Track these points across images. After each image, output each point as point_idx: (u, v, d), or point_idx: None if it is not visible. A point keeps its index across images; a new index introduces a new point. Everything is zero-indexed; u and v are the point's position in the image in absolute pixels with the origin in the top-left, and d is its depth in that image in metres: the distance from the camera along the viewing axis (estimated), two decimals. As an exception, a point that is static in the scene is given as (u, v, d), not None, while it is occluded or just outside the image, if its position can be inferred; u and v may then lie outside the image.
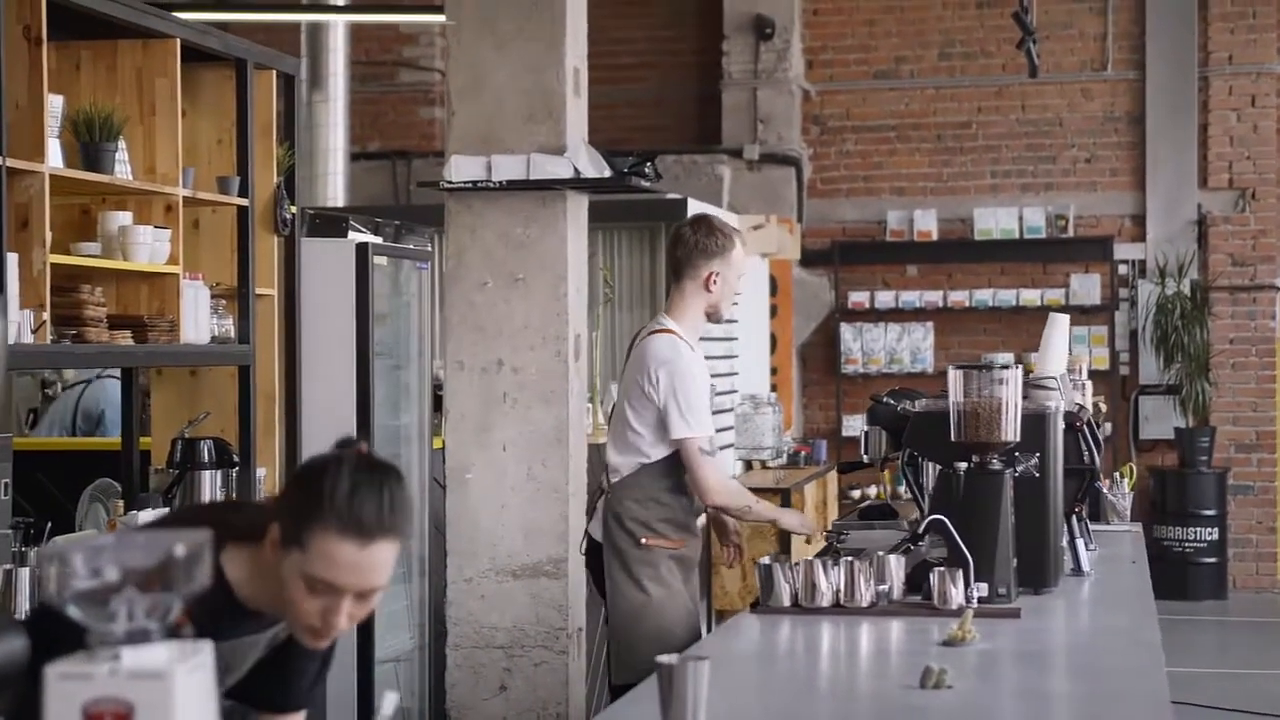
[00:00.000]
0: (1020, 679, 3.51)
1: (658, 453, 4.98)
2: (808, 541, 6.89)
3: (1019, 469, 4.38)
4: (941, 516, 4.23)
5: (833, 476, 11.03)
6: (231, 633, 2.55)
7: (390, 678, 6.51)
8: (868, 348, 12.75)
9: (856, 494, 11.74)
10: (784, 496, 9.01)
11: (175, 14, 5.10)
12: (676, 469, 5.01)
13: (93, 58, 4.92)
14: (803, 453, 10.52)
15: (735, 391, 9.94)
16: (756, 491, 8.84)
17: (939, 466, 4.45)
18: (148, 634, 1.69)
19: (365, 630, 6.06)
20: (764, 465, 10.11)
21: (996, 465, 4.31)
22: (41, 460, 6.46)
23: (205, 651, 1.73)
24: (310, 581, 2.41)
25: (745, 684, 3.43)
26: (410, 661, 6.68)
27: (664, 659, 2.65)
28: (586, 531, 5.22)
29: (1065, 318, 5.42)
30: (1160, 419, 12.44)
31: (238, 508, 2.67)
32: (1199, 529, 12.07)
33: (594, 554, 5.15)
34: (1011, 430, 4.29)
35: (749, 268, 5.23)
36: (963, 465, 4.29)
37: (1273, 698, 8.87)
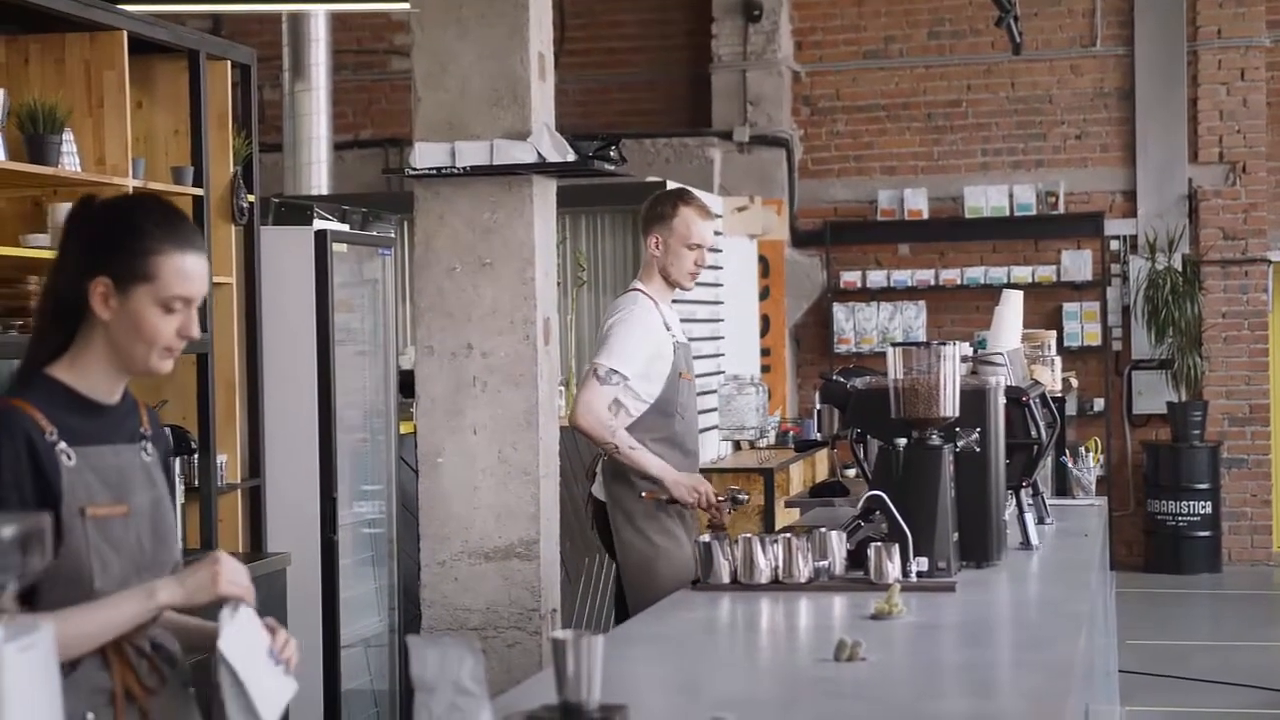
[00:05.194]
0: (934, 650, 3.54)
1: (637, 406, 5.21)
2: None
3: (959, 444, 4.41)
4: (880, 492, 4.27)
5: (823, 455, 11.05)
6: (96, 435, 2.74)
7: (360, 659, 6.57)
8: (860, 327, 12.77)
9: (852, 472, 11.74)
10: (767, 476, 9.04)
11: (126, 6, 5.14)
12: (662, 421, 5.25)
13: (41, 51, 4.97)
14: (791, 433, 10.54)
15: (721, 372, 9.98)
16: (742, 472, 8.96)
17: (880, 443, 4.48)
18: (-20, 613, 1.73)
19: (330, 612, 6.12)
20: (752, 445, 10.14)
21: (936, 441, 4.34)
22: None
23: (42, 630, 1.77)
24: (166, 303, 2.72)
25: (664, 659, 3.47)
26: (380, 646, 6.74)
27: (558, 634, 2.69)
28: (590, 494, 5.42)
29: (1018, 294, 5.44)
30: (1153, 394, 12.44)
31: (29, 352, 2.81)
32: (1192, 503, 12.08)
33: (599, 515, 5.37)
34: (950, 406, 4.33)
35: (706, 239, 5.33)
36: (902, 441, 4.33)
37: (1267, 671, 8.88)
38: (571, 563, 7.15)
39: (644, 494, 5.19)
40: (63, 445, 2.68)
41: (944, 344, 4.35)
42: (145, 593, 2.69)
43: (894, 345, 4.39)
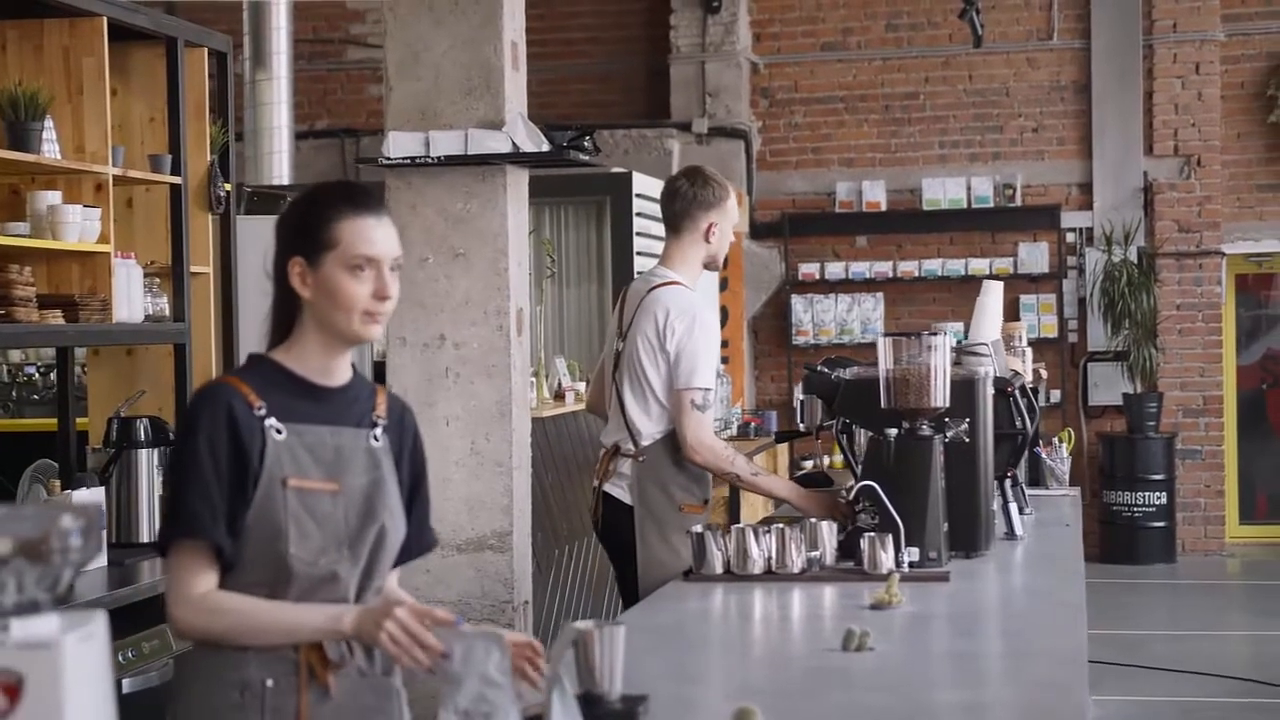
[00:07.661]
0: (940, 640, 3.55)
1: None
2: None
3: (949, 435, 4.42)
4: (871, 483, 4.27)
5: (784, 447, 11.08)
6: (312, 415, 2.84)
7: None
8: (818, 319, 12.79)
9: (809, 464, 11.78)
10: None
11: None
12: None
13: (19, 37, 4.90)
14: (753, 424, 10.55)
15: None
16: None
17: (870, 433, 4.48)
18: (37, 605, 1.70)
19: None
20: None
21: (926, 431, 4.35)
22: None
23: (97, 621, 1.74)
24: (353, 265, 2.80)
25: (669, 650, 3.45)
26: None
27: (579, 625, 2.67)
28: (601, 491, 5.03)
29: (999, 285, 5.45)
30: (1109, 385, 12.53)
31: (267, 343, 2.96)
32: (1147, 493, 12.18)
33: (613, 514, 5.00)
34: (941, 396, 4.33)
35: (739, 219, 5.09)
36: (893, 431, 4.33)
37: (1221, 659, 8.97)
38: (542, 554, 7.12)
39: (683, 506, 4.94)
40: (272, 421, 2.80)
41: (934, 334, 4.36)
42: (337, 616, 2.73)
43: (885, 335, 4.39)
